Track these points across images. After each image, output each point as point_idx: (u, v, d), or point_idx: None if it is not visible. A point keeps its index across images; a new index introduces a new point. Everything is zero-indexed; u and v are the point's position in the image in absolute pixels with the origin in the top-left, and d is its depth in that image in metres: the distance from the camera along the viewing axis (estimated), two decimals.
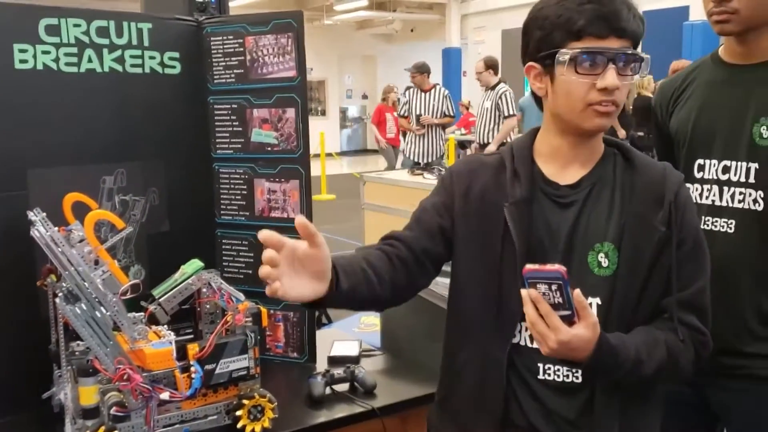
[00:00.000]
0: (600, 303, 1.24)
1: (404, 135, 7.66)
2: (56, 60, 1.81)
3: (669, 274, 1.23)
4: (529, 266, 1.13)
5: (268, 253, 1.07)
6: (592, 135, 1.28)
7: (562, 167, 1.30)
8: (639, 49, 1.24)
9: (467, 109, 12.90)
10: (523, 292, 1.14)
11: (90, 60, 1.86)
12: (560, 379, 1.26)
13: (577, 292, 1.11)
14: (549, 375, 1.27)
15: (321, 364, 2.06)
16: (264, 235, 1.06)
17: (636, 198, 1.25)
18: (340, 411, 1.79)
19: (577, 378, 1.25)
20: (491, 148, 6.59)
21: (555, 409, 1.26)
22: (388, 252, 1.31)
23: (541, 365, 1.27)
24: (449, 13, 16.29)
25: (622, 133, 9.19)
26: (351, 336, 2.36)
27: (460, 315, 1.38)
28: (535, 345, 1.24)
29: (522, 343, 1.29)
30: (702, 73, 1.70)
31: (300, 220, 1.07)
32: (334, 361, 2.07)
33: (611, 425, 1.24)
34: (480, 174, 1.35)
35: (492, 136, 6.94)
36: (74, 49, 1.83)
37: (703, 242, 1.29)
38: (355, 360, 2.06)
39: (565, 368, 1.25)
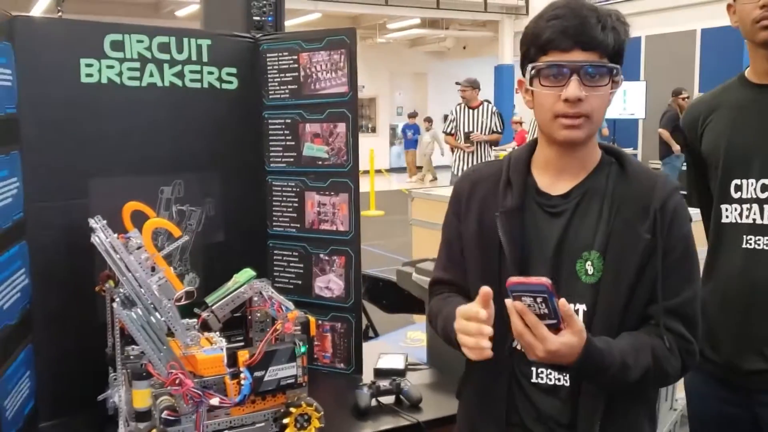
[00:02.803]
0: (586, 309, 1.27)
1: (452, 152, 7.64)
2: (119, 74, 1.88)
3: (656, 282, 1.24)
4: (513, 279, 1.15)
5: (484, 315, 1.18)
6: (570, 146, 1.30)
7: (554, 177, 1.34)
8: (608, 59, 1.24)
9: (520, 125, 12.84)
10: (508, 303, 1.16)
11: (151, 74, 1.93)
12: (551, 383, 1.31)
13: (563, 301, 1.14)
14: (541, 378, 1.32)
15: (367, 376, 2.07)
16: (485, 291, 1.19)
17: (624, 207, 1.26)
18: (386, 423, 1.80)
19: (566, 381, 1.30)
20: None
21: (545, 410, 1.31)
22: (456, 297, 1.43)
23: (534, 369, 1.32)
24: (502, 29, 16.25)
25: (676, 148, 9.01)
26: (397, 349, 2.37)
27: None
28: None
29: (519, 347, 1.30)
30: (730, 95, 1.72)
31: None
32: (380, 373, 2.08)
33: (592, 426, 1.26)
34: (482, 183, 1.41)
35: None
36: (137, 64, 1.90)
37: (693, 252, 1.29)
38: (401, 373, 2.07)
39: (555, 372, 1.30)
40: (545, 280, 1.14)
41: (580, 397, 1.28)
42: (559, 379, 1.30)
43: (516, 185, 1.35)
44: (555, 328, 1.17)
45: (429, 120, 16.98)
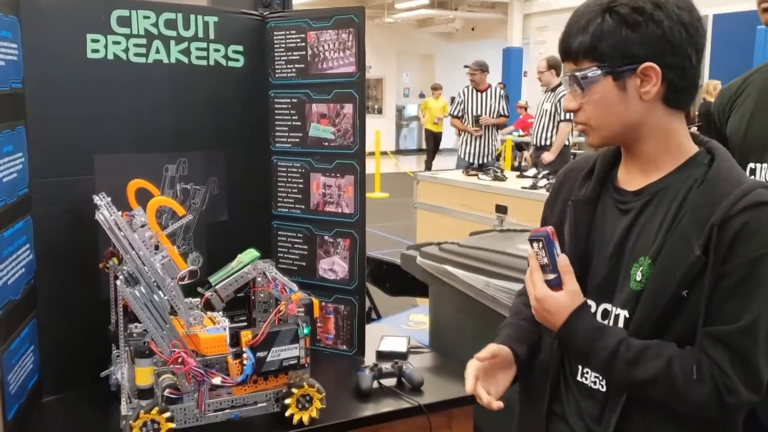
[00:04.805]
0: (627, 316, 1.21)
1: (458, 135, 7.60)
2: (126, 50, 1.87)
3: (708, 303, 1.12)
4: (536, 227, 1.23)
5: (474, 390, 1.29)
6: (620, 145, 1.28)
7: (632, 172, 1.27)
8: (599, 60, 1.18)
9: (525, 110, 12.75)
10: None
11: (158, 51, 1.92)
12: (591, 384, 1.27)
13: (563, 256, 1.19)
14: (586, 378, 1.28)
15: (369, 358, 2.07)
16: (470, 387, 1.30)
17: (689, 215, 1.15)
18: (387, 405, 1.80)
19: (602, 386, 1.26)
20: (549, 156, 6.49)
21: (586, 408, 1.28)
22: None
23: (580, 368, 1.29)
24: (511, 12, 16.11)
25: None
26: (400, 332, 2.37)
27: None
28: None
29: None
30: (758, 78, 1.69)
31: (481, 358, 1.33)
32: (382, 355, 2.08)
33: (608, 427, 1.22)
34: (574, 172, 1.38)
35: (549, 138, 6.84)
36: (143, 40, 1.89)
37: (761, 279, 1.11)
38: (404, 356, 2.07)
39: (593, 374, 1.27)
40: (549, 228, 1.20)
41: (608, 401, 1.24)
42: (594, 382, 1.26)
43: (596, 175, 1.30)
44: (556, 285, 1.20)
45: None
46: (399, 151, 18.94)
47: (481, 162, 6.93)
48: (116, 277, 1.63)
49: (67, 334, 1.81)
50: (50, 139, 1.77)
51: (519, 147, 12.10)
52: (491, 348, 1.34)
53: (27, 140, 1.72)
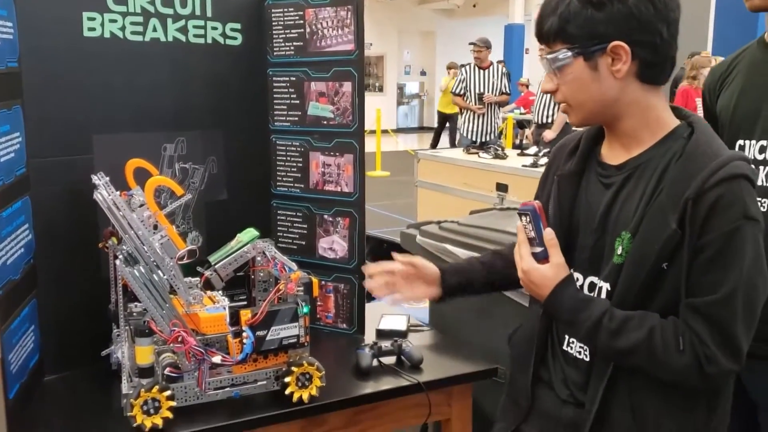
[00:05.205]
0: (609, 289, 1.24)
1: (460, 113, 7.57)
2: (122, 29, 1.85)
3: (687, 275, 1.14)
4: (526, 201, 1.28)
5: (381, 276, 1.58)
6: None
7: (614, 147, 1.29)
8: (572, 42, 1.20)
9: (527, 87, 12.68)
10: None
11: (155, 29, 1.90)
12: (577, 354, 1.31)
13: (548, 230, 1.25)
14: (570, 348, 1.32)
15: (369, 337, 2.08)
16: (372, 270, 1.59)
17: (667, 189, 1.16)
18: (387, 383, 1.81)
19: (586, 356, 1.29)
20: (551, 134, 6.47)
21: (570, 376, 1.32)
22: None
23: (566, 337, 1.33)
24: None
25: None
26: (399, 310, 2.38)
27: None
28: None
29: None
30: (747, 56, 1.69)
31: (399, 260, 1.58)
32: (382, 334, 2.09)
33: (595, 400, 1.24)
34: (565, 147, 1.41)
35: (551, 115, 6.81)
36: (140, 18, 1.87)
37: (738, 251, 1.12)
38: (403, 334, 2.08)
39: (578, 344, 1.30)
40: (536, 203, 1.26)
41: (592, 369, 1.26)
42: (579, 352, 1.30)
43: (580, 151, 1.34)
44: (543, 258, 1.25)
45: None
46: (400, 129, 18.88)
47: (483, 140, 6.91)
48: (116, 257, 1.63)
49: (68, 313, 1.81)
50: (47, 119, 1.76)
51: (520, 125, 12.06)
52: (412, 258, 1.58)
53: (24, 120, 1.71)
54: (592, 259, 1.27)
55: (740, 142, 1.62)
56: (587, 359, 1.28)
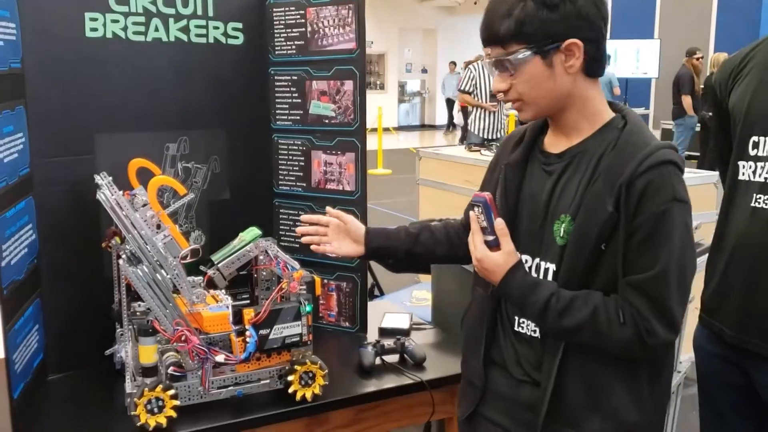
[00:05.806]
0: (555, 270, 1.32)
1: (466, 111, 7.52)
2: (124, 29, 1.85)
3: (624, 255, 1.23)
4: (477, 192, 1.33)
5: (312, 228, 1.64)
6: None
7: (556, 136, 1.38)
8: (524, 42, 1.26)
9: None
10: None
11: (156, 29, 1.90)
12: (529, 333, 1.37)
13: (499, 220, 1.30)
14: (522, 328, 1.38)
15: (372, 335, 2.09)
16: (306, 218, 1.67)
17: (603, 176, 1.26)
18: (390, 381, 1.82)
19: (539, 335, 1.35)
20: None
21: (524, 356, 1.38)
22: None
23: (516, 318, 1.39)
24: None
25: (691, 113, 8.89)
26: (402, 309, 2.38)
27: None
28: None
29: None
30: (761, 51, 1.67)
31: (331, 213, 1.65)
32: (384, 332, 2.09)
33: (550, 377, 1.31)
34: (513, 138, 1.49)
35: None
36: (142, 18, 1.88)
37: (669, 230, 1.21)
38: (406, 332, 2.08)
39: (532, 325, 1.36)
40: (487, 194, 1.31)
41: (545, 348, 1.33)
42: (535, 331, 1.36)
43: (525, 141, 1.42)
44: (495, 246, 1.31)
45: None
46: (401, 127, 18.87)
47: (494, 137, 6.87)
48: (119, 256, 1.63)
49: (72, 312, 1.82)
50: (50, 119, 1.76)
51: (522, 123, 12.05)
52: (343, 214, 1.65)
53: (27, 120, 1.71)
54: (539, 242, 1.35)
55: (755, 138, 1.60)
56: (540, 338, 1.35)
